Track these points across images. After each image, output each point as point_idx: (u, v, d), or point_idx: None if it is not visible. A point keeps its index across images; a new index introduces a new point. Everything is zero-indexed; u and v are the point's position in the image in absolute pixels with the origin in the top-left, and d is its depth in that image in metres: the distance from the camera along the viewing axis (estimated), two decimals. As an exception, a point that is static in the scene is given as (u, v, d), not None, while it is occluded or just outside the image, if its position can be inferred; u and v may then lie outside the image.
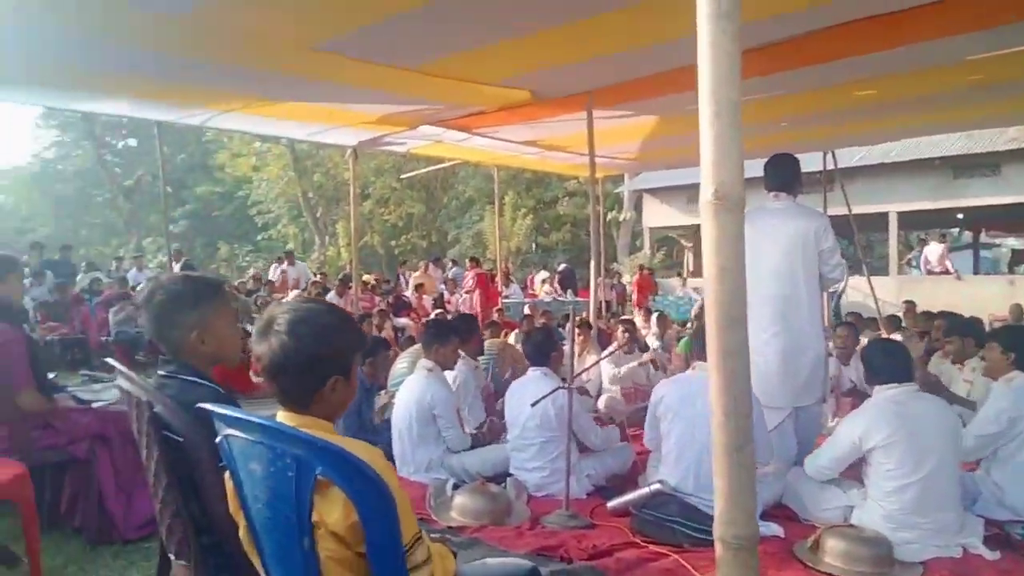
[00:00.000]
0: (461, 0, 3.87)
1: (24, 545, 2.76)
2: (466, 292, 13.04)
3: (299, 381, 1.51)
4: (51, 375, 4.56)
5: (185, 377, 1.93)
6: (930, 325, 7.35)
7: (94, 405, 3.57)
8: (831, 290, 4.98)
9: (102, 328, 9.61)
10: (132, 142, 31.81)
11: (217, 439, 1.52)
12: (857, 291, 13.30)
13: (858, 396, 4.82)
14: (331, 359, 1.52)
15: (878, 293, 10.24)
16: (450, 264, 16.07)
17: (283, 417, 1.53)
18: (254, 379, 5.65)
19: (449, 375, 5.05)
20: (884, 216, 16.44)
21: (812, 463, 3.50)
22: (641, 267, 17.56)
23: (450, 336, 4.63)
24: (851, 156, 14.79)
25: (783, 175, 4.05)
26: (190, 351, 1.97)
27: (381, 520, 1.36)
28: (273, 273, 14.45)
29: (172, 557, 1.95)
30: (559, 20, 4.19)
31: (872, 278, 10.36)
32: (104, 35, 4.37)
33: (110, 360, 2.00)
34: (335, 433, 1.56)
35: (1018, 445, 3.49)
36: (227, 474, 1.55)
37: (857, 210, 10.24)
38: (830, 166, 9.44)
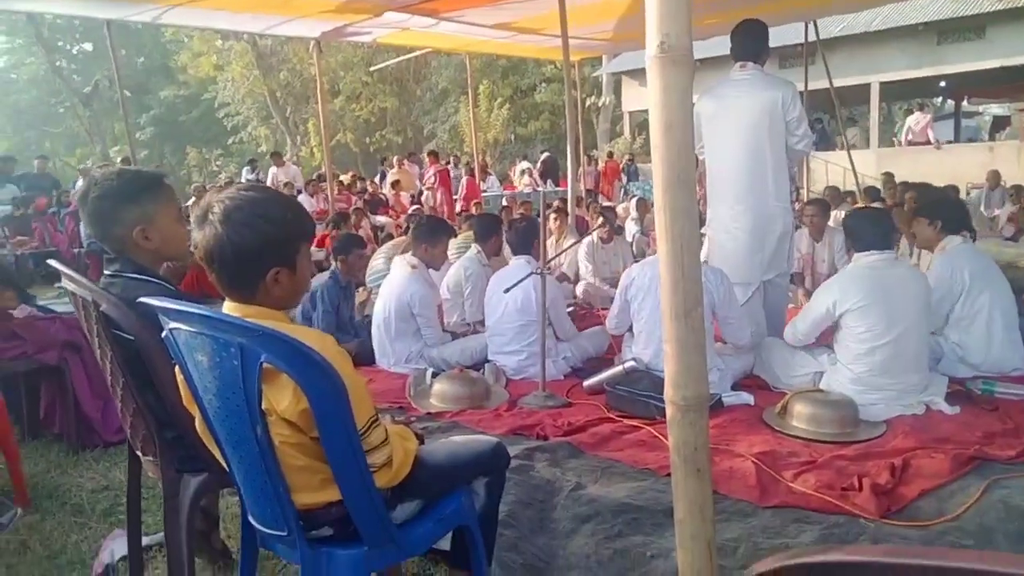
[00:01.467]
0: None
1: (1, 454, 2.79)
2: (427, 188, 12.76)
3: (236, 272, 1.44)
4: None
5: (130, 275, 1.86)
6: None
7: (63, 315, 3.53)
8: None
9: (74, 240, 9.45)
10: (87, 46, 30.30)
11: (163, 333, 1.49)
12: (837, 165, 13.24)
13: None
14: (269, 249, 1.42)
15: (858, 167, 10.18)
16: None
17: (229, 308, 1.48)
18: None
19: (457, 268, 4.99)
20: (866, 88, 16.14)
21: (791, 330, 3.56)
22: (610, 154, 17.26)
23: (441, 236, 4.54)
24: (833, 26, 14.34)
25: (750, 43, 3.86)
26: (133, 248, 1.88)
27: (331, 405, 1.35)
28: (246, 176, 14.12)
29: (139, 454, 1.97)
30: None
31: (852, 151, 10.26)
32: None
33: (53, 262, 1.93)
34: (287, 321, 1.52)
35: (963, 303, 3.60)
36: (177, 367, 1.52)
37: (839, 82, 10.02)
38: (811, 37, 9.15)
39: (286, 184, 11.99)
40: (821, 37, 9.33)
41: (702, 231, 3.84)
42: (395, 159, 14.82)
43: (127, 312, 1.68)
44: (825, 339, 3.57)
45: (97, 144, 26.31)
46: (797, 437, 3.01)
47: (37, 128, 30.99)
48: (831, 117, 16.81)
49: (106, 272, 1.91)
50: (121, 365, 1.78)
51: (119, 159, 13.98)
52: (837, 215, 7.47)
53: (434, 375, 3.97)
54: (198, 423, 1.56)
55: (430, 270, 4.49)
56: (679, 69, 1.22)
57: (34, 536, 2.60)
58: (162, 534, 2.36)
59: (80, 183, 12.00)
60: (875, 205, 7.24)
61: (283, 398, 1.35)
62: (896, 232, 4.10)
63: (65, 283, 1.85)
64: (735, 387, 3.63)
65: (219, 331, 1.35)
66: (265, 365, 1.32)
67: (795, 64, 13.58)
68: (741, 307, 3.77)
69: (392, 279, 4.41)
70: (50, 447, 3.39)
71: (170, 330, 1.46)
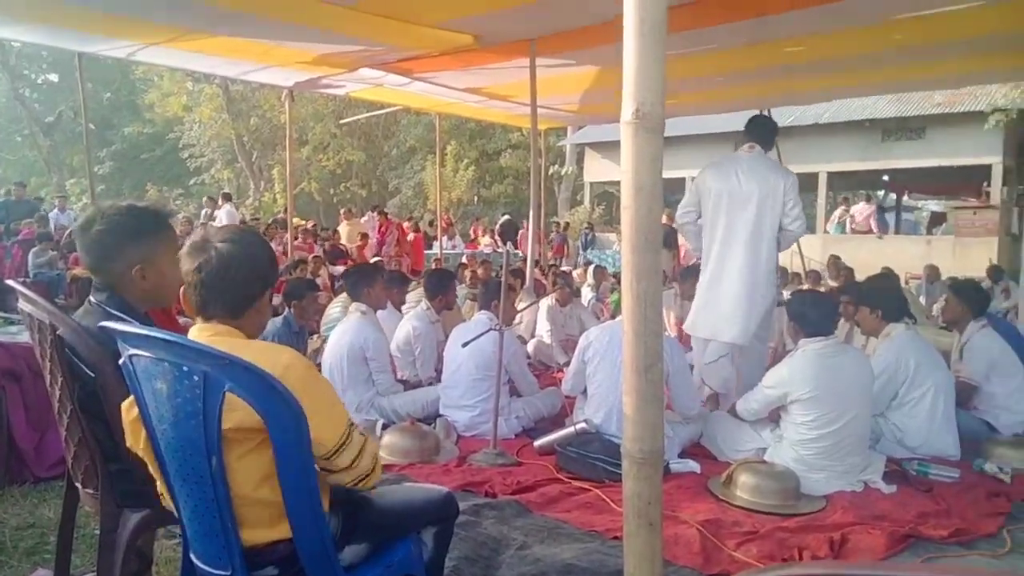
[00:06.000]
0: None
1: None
2: (378, 244, 12.92)
3: (240, 289, 1.52)
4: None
5: (111, 309, 1.82)
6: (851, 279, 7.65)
7: (1, 339, 3.42)
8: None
9: (20, 270, 9.16)
10: (53, 77, 30.05)
11: (120, 360, 1.48)
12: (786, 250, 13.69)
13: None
14: (266, 271, 1.58)
15: (805, 251, 10.57)
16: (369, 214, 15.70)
17: (197, 330, 1.52)
18: (180, 321, 5.49)
19: (406, 325, 5.01)
20: (814, 176, 16.94)
21: (743, 405, 3.64)
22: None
23: (375, 276, 4.63)
24: (785, 116, 15.10)
25: (765, 132, 4.34)
26: (127, 285, 1.86)
27: (291, 435, 1.37)
28: (204, 216, 14.01)
29: (79, 486, 1.91)
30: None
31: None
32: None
33: (9, 281, 1.89)
34: (248, 339, 1.54)
35: (907, 389, 3.73)
36: (128, 400, 1.50)
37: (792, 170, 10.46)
38: (766, 125, 9.59)
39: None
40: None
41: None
42: (342, 211, 15.06)
43: (85, 338, 1.66)
44: (772, 416, 3.66)
45: (54, 175, 25.79)
46: (740, 507, 3.06)
47: (-9, 154, 30.29)
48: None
49: (91, 299, 1.87)
50: (71, 392, 1.75)
51: (82, 192, 13.81)
52: (784, 295, 7.74)
53: (384, 427, 3.93)
54: (144, 455, 1.53)
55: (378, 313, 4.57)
56: (651, 136, 1.30)
57: (-52, 574, 2.46)
58: (90, 574, 2.27)
59: (55, 214, 11.83)
60: (819, 288, 7.53)
61: (243, 416, 1.36)
62: (839, 316, 4.29)
63: (23, 304, 1.81)
64: (682, 455, 3.68)
65: (183, 358, 1.35)
66: (227, 394, 1.32)
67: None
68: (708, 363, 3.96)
69: (342, 326, 4.43)
70: (-25, 481, 3.22)
71: (129, 356, 1.45)
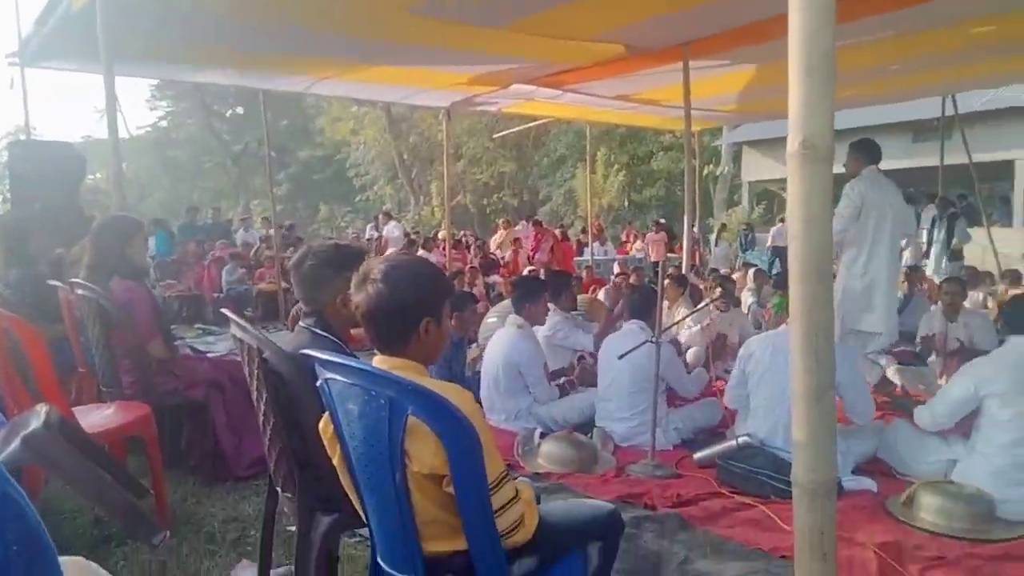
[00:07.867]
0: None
1: (150, 479, 3.03)
2: (532, 252, 13.03)
3: (395, 323, 1.62)
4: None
5: (317, 331, 2.16)
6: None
7: (208, 355, 3.86)
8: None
9: (214, 285, 10.24)
10: (239, 110, 33.24)
11: (318, 382, 1.65)
12: (976, 244, 12.47)
13: (965, 355, 4.59)
14: (423, 302, 1.63)
15: (1003, 247, 9.58)
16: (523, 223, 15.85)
17: (378, 362, 1.64)
18: (352, 332, 5.92)
19: (548, 332, 5.15)
20: (1009, 164, 15.22)
21: (926, 413, 3.38)
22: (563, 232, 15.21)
23: (540, 293, 4.72)
24: (973, 100, 13.71)
25: (871, 152, 4.94)
26: (331, 311, 2.20)
27: (467, 459, 1.45)
28: (369, 232, 14.96)
29: (279, 490, 2.14)
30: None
31: (995, 230, 9.69)
32: (211, 7, 4.62)
33: (225, 311, 2.18)
34: (427, 376, 1.66)
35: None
36: (324, 417, 1.67)
37: (979, 158, 9.56)
38: (949, 112, 8.85)
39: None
40: (960, 111, 8.99)
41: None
42: (501, 222, 15.35)
43: (287, 361, 1.87)
44: (963, 428, 3.36)
45: (241, 197, 28.60)
46: (924, 530, 2.84)
47: (189, 182, 34.05)
48: (969, 193, 15.93)
49: (301, 324, 2.24)
50: (274, 407, 1.96)
51: (264, 212, 15.25)
52: (975, 297, 7.05)
53: (542, 435, 4.03)
54: (338, 468, 1.69)
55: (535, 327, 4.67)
56: (820, 167, 1.27)
57: (172, 559, 2.81)
58: (283, 569, 2.53)
59: (240, 233, 13.30)
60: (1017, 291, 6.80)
61: (424, 451, 1.46)
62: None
63: (234, 330, 2.07)
64: (856, 471, 3.47)
65: (371, 383, 1.49)
66: (409, 418, 1.44)
67: (929, 138, 13.08)
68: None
69: (498, 339, 4.56)
70: (186, 478, 3.64)
71: (325, 380, 1.61)
